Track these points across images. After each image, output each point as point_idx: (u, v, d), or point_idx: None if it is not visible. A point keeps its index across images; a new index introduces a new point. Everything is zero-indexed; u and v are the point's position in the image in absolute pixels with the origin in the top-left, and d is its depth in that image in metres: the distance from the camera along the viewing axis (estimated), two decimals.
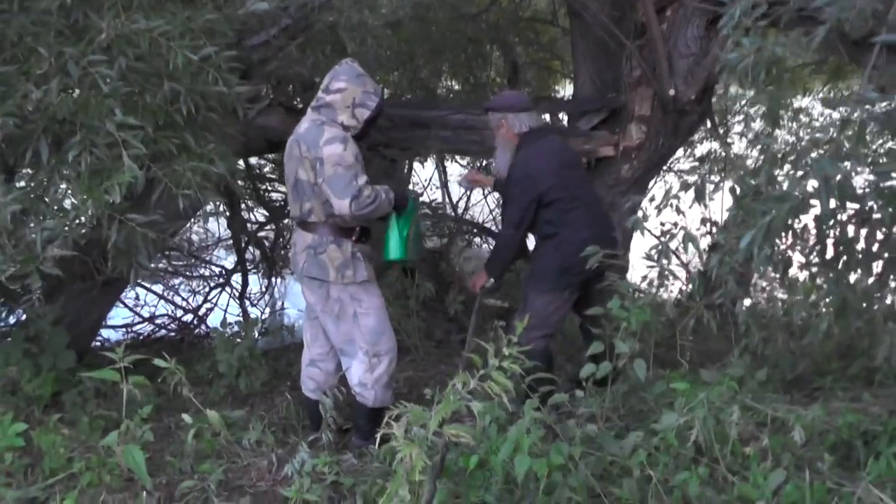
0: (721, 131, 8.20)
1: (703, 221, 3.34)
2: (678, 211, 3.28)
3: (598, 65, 6.48)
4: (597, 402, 3.59)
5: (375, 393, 4.10)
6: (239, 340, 4.96)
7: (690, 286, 3.12)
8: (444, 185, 9.81)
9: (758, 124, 9.21)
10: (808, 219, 2.58)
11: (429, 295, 5.64)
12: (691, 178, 3.05)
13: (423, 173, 9.52)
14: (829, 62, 8.29)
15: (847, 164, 2.37)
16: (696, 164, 9.22)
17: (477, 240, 9.26)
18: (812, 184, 2.28)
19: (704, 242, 3.78)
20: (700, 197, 3.00)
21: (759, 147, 8.69)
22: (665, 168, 8.26)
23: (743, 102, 9.30)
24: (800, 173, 2.43)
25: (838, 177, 2.21)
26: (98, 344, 6.35)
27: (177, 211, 4.05)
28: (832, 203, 2.43)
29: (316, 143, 3.84)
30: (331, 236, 3.99)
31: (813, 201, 2.38)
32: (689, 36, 5.58)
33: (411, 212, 4.18)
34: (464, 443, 2.81)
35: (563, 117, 7.60)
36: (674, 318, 3.86)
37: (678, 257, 3.48)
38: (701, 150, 9.51)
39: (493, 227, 9.21)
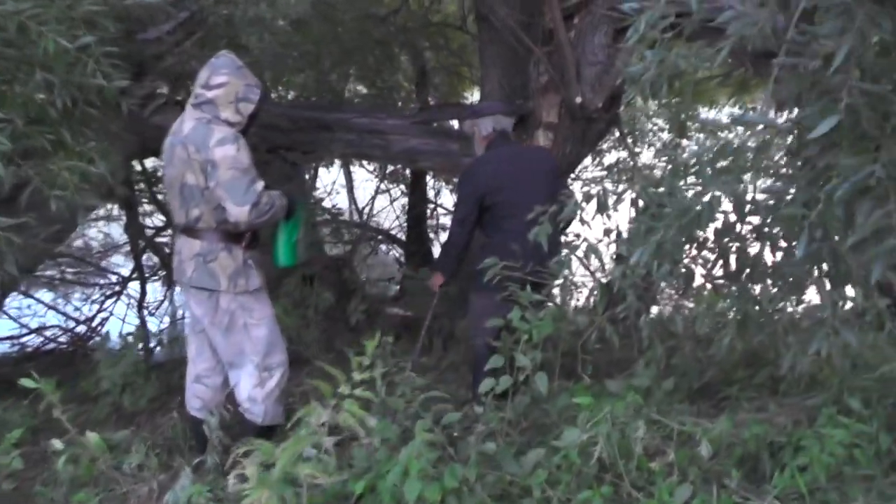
0: (630, 140, 8.23)
1: (606, 232, 3.23)
2: (582, 221, 3.19)
3: (506, 70, 6.37)
4: (496, 418, 3.46)
5: (266, 408, 3.87)
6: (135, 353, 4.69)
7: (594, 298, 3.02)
8: (350, 189, 9.66)
9: (666, 135, 9.31)
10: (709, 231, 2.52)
11: (328, 304, 5.43)
12: (594, 189, 2.95)
13: (327, 177, 9.33)
14: (734, 75, 8.42)
15: (748, 175, 2.29)
16: (604, 172, 9.28)
17: (382, 247, 9.13)
18: (713, 195, 2.19)
19: (610, 252, 3.67)
20: (602, 208, 2.90)
21: (665, 157, 8.87)
22: (573, 176, 8.27)
23: (650, 113, 9.39)
24: (699, 187, 2.35)
25: (740, 188, 2.13)
26: None
27: (61, 215, 3.77)
28: (732, 216, 2.35)
29: (205, 144, 3.58)
30: (221, 243, 3.74)
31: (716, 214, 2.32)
32: (597, 43, 5.52)
33: (300, 216, 4.00)
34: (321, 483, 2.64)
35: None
36: (582, 328, 3.75)
37: (585, 267, 3.37)
38: (609, 158, 9.58)
39: (400, 235, 9.09)
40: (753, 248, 2.46)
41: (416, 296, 6.20)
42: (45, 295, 7.71)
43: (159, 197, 7.65)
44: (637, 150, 9.07)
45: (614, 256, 4.05)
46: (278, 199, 3.75)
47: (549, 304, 3.48)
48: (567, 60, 5.40)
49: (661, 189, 2.62)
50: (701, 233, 2.44)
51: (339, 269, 6.87)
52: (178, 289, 8.01)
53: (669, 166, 2.63)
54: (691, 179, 2.61)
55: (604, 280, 3.11)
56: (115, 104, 3.80)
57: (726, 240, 2.31)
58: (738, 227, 2.29)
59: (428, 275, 6.11)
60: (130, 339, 4.88)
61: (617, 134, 7.36)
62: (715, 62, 2.69)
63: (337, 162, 8.29)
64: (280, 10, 5.27)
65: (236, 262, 3.77)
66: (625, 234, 3.20)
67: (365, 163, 8.69)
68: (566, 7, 5.53)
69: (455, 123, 8.86)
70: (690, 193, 2.37)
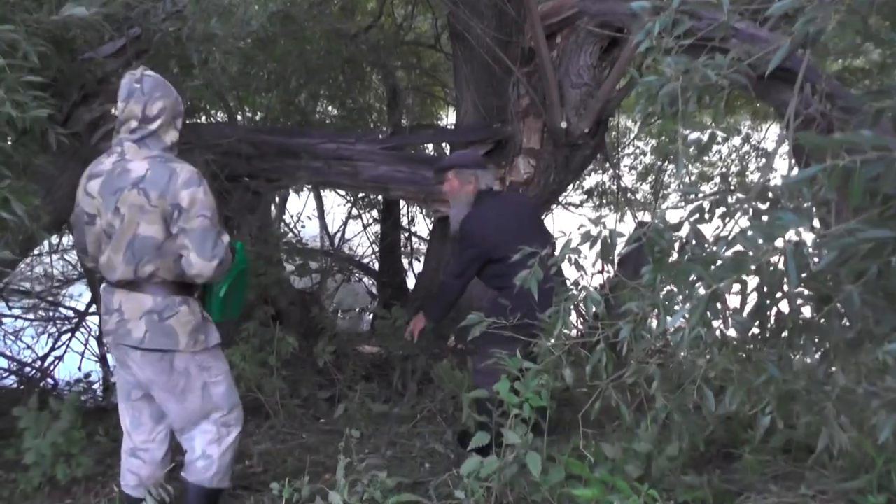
0: (612, 163, 7.84)
1: (611, 285, 2.79)
2: (578, 267, 2.74)
3: (483, 92, 6.00)
4: (479, 489, 3.01)
5: (218, 467, 3.39)
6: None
7: (593, 362, 2.57)
8: (322, 216, 9.21)
9: (648, 158, 8.96)
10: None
11: (292, 350, 4.94)
12: (594, 228, 2.51)
13: (297, 202, 8.89)
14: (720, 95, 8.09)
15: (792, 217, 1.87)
16: (585, 197, 8.90)
17: (358, 279, 8.68)
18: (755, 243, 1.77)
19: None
20: (606, 253, 2.46)
21: (651, 182, 8.53)
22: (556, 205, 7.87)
23: (633, 135, 9.03)
24: (738, 227, 1.93)
25: (792, 237, 1.71)
26: None
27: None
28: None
29: (170, 188, 3.11)
30: (178, 297, 3.27)
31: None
32: (582, 64, 5.16)
33: (237, 265, 3.48)
34: None
35: (446, 147, 7.12)
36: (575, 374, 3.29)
37: (582, 316, 2.92)
38: (589, 182, 9.22)
39: (373, 263, 8.65)
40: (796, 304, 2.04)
41: (389, 333, 5.74)
42: None
43: None
44: (619, 172, 8.68)
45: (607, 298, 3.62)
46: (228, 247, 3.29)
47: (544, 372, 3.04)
48: (549, 82, 5.02)
49: (683, 233, 2.19)
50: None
51: (306, 306, 6.40)
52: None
53: (690, 207, 2.20)
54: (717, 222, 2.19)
55: (602, 331, 2.66)
56: (39, 136, 3.31)
57: (770, 299, 1.87)
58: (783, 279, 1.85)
59: (403, 314, 5.67)
60: (68, 394, 4.27)
61: (601, 158, 6.97)
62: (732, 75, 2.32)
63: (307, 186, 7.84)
64: (233, 27, 4.83)
65: (196, 317, 3.30)
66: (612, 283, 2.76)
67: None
68: (548, 24, 5.14)
69: (429, 148, 8.55)
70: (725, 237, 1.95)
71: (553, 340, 2.85)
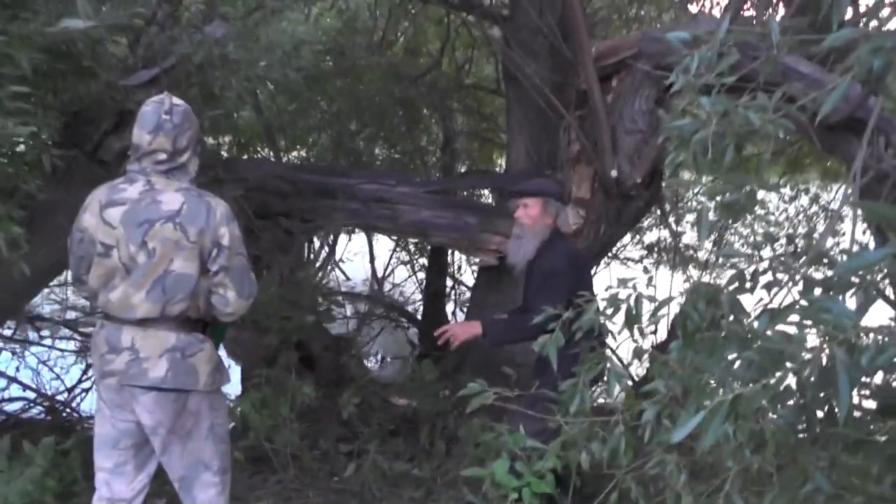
0: (672, 218, 7.43)
1: (637, 354, 2.41)
2: (605, 333, 2.37)
3: (534, 136, 5.71)
4: None
5: None
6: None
7: (610, 446, 2.19)
8: (371, 259, 8.93)
9: (713, 214, 8.48)
10: None
11: (311, 399, 4.62)
12: (623, 293, 2.15)
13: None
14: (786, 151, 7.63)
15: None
16: (645, 252, 8.47)
17: (404, 326, 8.36)
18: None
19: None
20: (633, 321, 2.09)
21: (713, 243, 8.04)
22: (610, 255, 7.47)
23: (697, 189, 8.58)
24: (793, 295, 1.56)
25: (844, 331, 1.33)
26: None
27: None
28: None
29: (210, 224, 2.98)
30: (199, 334, 3.12)
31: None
32: (637, 109, 4.83)
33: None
34: None
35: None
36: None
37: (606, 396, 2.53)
38: (651, 236, 8.79)
39: (418, 311, 8.32)
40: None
41: (419, 387, 5.40)
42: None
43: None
44: (680, 229, 8.23)
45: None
46: None
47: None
48: (602, 127, 4.71)
49: (718, 305, 1.81)
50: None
51: (339, 352, 6.10)
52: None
53: (729, 274, 1.83)
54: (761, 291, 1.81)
55: (624, 415, 2.28)
56: (36, 161, 3.11)
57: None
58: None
59: (433, 369, 5.33)
60: (46, 441, 3.87)
61: (658, 212, 6.57)
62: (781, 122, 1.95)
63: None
64: (280, 59, 4.62)
65: (214, 355, 3.17)
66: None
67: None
68: (604, 66, 4.81)
69: (487, 193, 8.25)
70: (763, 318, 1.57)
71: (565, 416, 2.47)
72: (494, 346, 4.15)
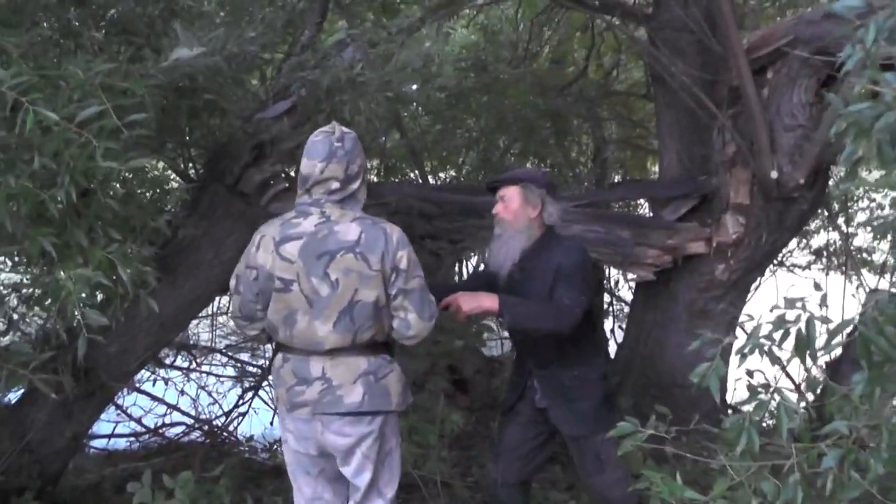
0: (840, 219, 6.87)
1: (809, 386, 2.09)
2: (773, 360, 2.08)
3: (686, 140, 5.41)
4: None
5: None
6: None
7: (784, 498, 1.89)
8: None
9: (888, 211, 7.78)
10: None
11: (455, 430, 4.46)
12: (790, 313, 1.87)
13: None
14: None
15: None
16: (813, 258, 7.89)
17: None
18: None
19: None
20: (804, 348, 1.80)
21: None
22: (776, 262, 6.99)
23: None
24: None
25: None
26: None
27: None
28: None
29: (389, 250, 2.97)
30: (387, 355, 3.15)
31: None
32: (796, 102, 4.50)
33: None
34: None
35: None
36: None
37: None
38: (818, 240, 8.19)
39: None
40: None
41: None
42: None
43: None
44: (851, 230, 7.59)
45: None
46: None
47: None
48: (758, 125, 4.39)
49: None
50: None
51: (493, 374, 5.96)
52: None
53: None
54: None
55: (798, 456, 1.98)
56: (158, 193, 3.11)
57: None
58: None
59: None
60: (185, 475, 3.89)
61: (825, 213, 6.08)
62: None
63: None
64: (411, 90, 4.56)
65: (402, 375, 3.19)
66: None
67: None
68: (756, 58, 4.48)
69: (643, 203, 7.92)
70: None
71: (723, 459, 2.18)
72: (510, 322, 3.40)
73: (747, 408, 2.16)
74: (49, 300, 2.75)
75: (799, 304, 1.96)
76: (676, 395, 5.28)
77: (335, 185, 3.02)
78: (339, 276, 2.93)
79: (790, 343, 2.01)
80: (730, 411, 5.61)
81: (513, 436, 3.52)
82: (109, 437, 6.16)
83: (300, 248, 2.94)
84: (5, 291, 3.13)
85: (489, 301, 3.31)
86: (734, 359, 2.21)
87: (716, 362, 2.21)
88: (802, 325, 1.86)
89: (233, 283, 3.15)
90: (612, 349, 6.78)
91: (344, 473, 3.15)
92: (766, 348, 2.10)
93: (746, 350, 2.02)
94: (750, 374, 2.34)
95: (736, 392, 5.59)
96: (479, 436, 5.34)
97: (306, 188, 3.06)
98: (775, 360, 2.14)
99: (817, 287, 2.14)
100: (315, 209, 3.01)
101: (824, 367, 4.00)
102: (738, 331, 5.21)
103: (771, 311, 2.01)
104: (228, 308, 7.42)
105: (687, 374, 5.33)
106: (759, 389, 2.13)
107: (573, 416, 3.33)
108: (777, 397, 2.01)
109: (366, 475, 3.12)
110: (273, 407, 6.84)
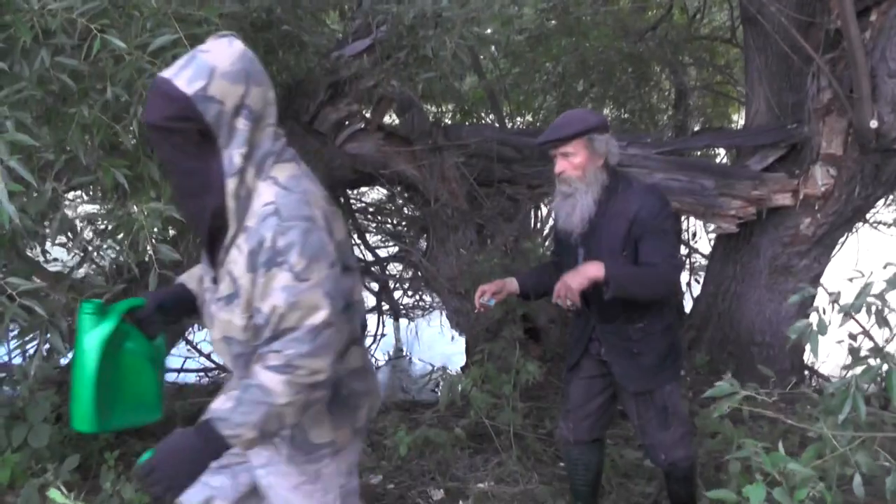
0: None
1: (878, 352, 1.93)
2: (881, 322, 1.92)
3: (777, 86, 5.17)
4: None
5: None
6: None
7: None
8: None
9: None
10: None
11: (532, 381, 4.32)
12: (862, 279, 1.72)
13: None
14: None
15: None
16: None
17: None
18: None
19: None
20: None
21: None
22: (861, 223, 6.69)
23: None
24: None
25: None
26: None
27: None
28: None
29: None
30: None
31: None
32: None
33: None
34: None
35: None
36: None
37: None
38: None
39: None
40: None
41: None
42: None
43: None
44: None
45: None
46: None
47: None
48: (859, 70, 4.14)
49: None
50: None
51: (566, 324, 5.83)
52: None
53: None
54: None
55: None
56: None
57: None
58: None
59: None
60: None
61: None
62: None
63: None
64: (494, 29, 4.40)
65: None
66: None
67: None
68: None
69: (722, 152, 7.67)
70: None
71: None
72: (615, 292, 2.99)
73: (850, 373, 2.00)
74: (122, 234, 2.69)
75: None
76: (753, 353, 5.13)
77: None
78: None
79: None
80: (806, 373, 5.44)
81: (579, 393, 3.35)
82: (179, 371, 6.31)
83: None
84: (80, 224, 3.12)
85: (594, 269, 2.97)
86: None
87: (818, 319, 2.07)
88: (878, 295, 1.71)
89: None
90: (688, 304, 6.62)
91: None
92: (874, 308, 1.96)
93: (857, 307, 1.88)
94: (853, 336, 2.19)
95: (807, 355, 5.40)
96: (551, 386, 5.22)
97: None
98: (883, 323, 2.00)
99: None
100: None
101: None
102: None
103: (885, 268, 1.87)
104: None
105: (765, 332, 5.19)
106: (867, 353, 1.98)
107: (637, 371, 3.13)
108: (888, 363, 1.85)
109: None
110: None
